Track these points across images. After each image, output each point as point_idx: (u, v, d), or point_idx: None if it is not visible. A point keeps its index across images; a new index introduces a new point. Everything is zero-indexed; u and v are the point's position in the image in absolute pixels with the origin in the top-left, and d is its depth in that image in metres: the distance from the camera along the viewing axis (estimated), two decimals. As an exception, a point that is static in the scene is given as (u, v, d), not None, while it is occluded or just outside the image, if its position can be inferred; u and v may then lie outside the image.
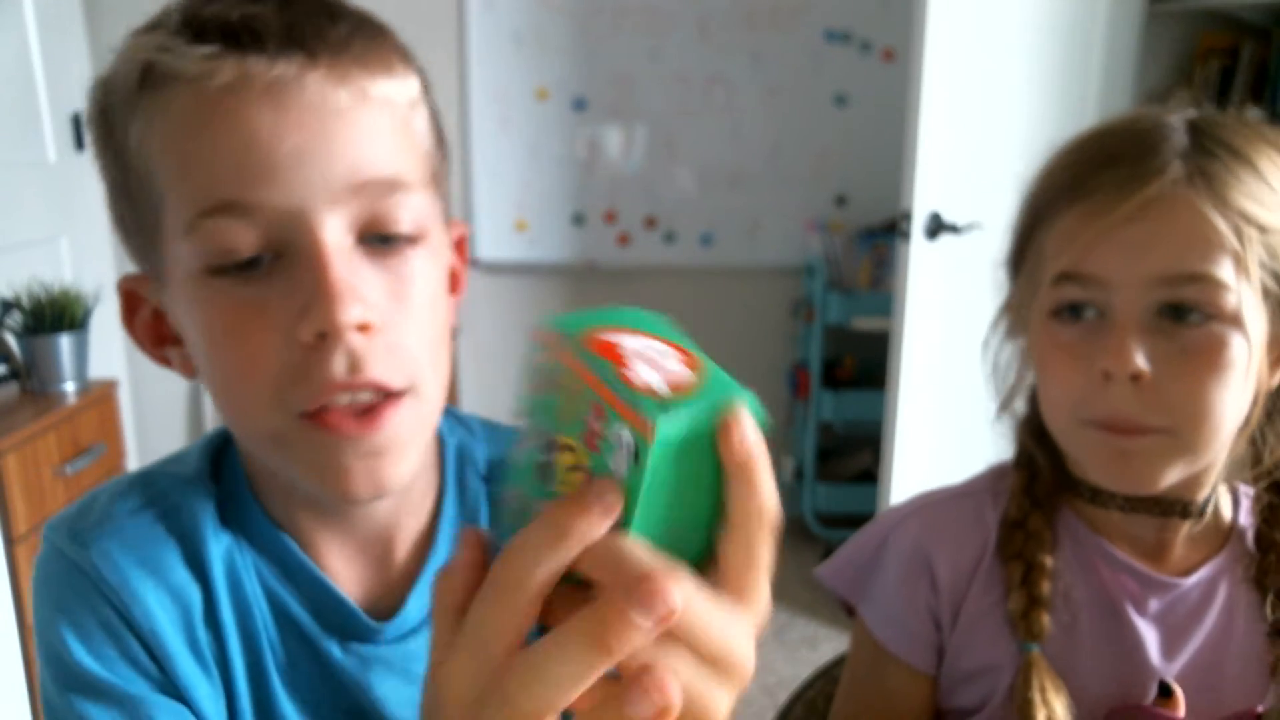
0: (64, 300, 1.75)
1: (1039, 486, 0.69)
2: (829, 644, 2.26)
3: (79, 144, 2.53)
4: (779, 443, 2.93)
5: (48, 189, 2.41)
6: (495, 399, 2.89)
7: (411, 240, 0.48)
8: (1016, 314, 0.70)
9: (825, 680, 0.86)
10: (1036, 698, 0.63)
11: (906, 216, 2.00)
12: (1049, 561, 0.67)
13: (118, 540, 0.53)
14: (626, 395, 0.32)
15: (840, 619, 2.44)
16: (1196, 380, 0.58)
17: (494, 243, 2.78)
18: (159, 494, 0.55)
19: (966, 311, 2.05)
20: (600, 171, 2.76)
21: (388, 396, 0.47)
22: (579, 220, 2.78)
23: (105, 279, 2.61)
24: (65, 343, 1.74)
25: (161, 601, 0.52)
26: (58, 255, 2.42)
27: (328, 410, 0.46)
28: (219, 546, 0.54)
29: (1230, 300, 0.58)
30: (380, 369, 0.46)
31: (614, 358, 0.33)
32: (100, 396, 1.78)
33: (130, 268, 0.55)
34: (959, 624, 0.69)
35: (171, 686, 0.52)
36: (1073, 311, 0.62)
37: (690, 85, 2.71)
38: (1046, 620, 0.65)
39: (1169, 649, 0.66)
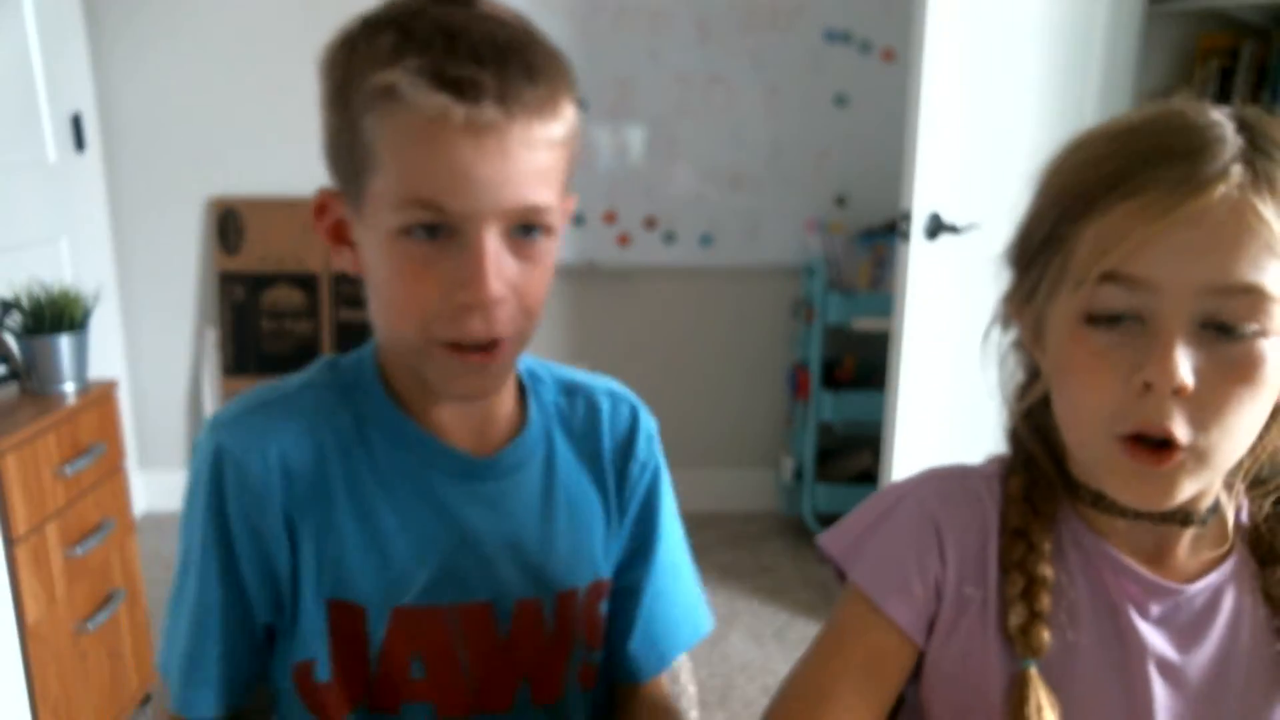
0: (64, 300, 1.75)
1: (1038, 492, 0.68)
2: (829, 644, 2.25)
3: (79, 144, 2.53)
4: (779, 443, 2.93)
5: (48, 189, 2.41)
6: (495, 399, 2.89)
7: (541, 234, 0.67)
8: (1020, 309, 0.67)
9: (825, 680, 0.86)
10: (1033, 718, 0.62)
11: (906, 216, 2.00)
12: (1049, 573, 0.65)
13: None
14: None
15: (840, 619, 2.44)
16: (1234, 397, 0.56)
17: (494, 243, 2.78)
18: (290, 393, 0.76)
19: (966, 312, 2.05)
20: (600, 171, 2.76)
21: (504, 339, 0.67)
22: (579, 220, 2.78)
23: (105, 279, 2.61)
24: (65, 343, 1.74)
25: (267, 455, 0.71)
26: (58, 255, 2.42)
27: (460, 344, 0.66)
28: (335, 416, 0.74)
29: (1276, 314, 0.55)
30: (503, 328, 0.66)
31: None
32: (100, 396, 1.78)
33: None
34: (961, 603, 0.67)
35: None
36: (1109, 318, 0.58)
37: (690, 85, 2.71)
38: (1046, 637, 0.64)
39: (1175, 654, 0.65)
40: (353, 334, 2.78)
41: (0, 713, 1.49)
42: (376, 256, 0.67)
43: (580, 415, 0.81)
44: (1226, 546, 0.68)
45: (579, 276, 2.84)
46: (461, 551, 0.73)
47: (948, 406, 2.14)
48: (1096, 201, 0.59)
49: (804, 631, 2.32)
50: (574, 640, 0.78)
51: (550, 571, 0.76)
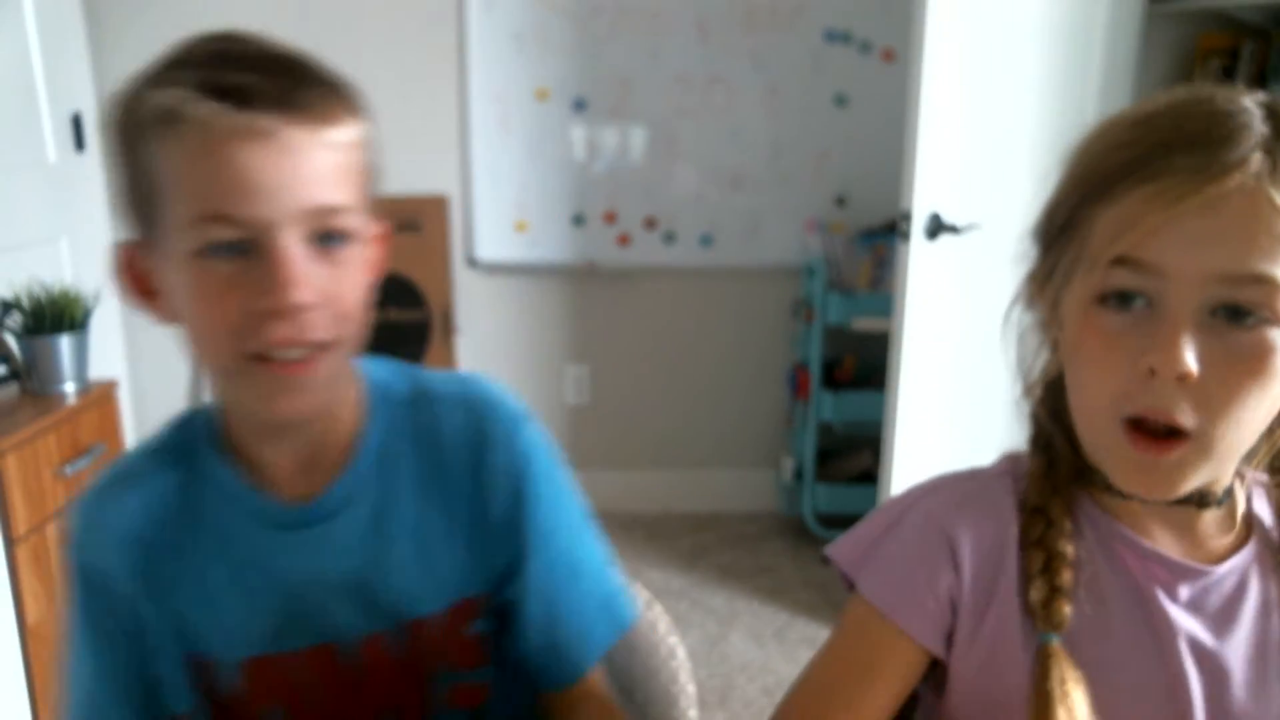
0: (64, 301, 1.75)
1: (1057, 472, 0.67)
2: (829, 644, 2.25)
3: (79, 144, 2.53)
4: (779, 443, 2.93)
5: (48, 189, 2.40)
6: (495, 399, 2.89)
7: (345, 240, 0.66)
8: (1041, 288, 0.66)
9: (826, 681, 0.86)
10: (1056, 690, 0.61)
11: (906, 216, 2.00)
12: (1070, 550, 0.64)
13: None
14: None
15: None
16: (1240, 385, 0.56)
17: (494, 243, 2.78)
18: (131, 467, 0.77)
19: (966, 312, 2.05)
20: (600, 172, 2.76)
21: (319, 348, 0.65)
22: (579, 220, 2.78)
23: (105, 279, 2.61)
24: (65, 343, 1.74)
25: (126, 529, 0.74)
26: (58, 255, 2.42)
27: (270, 357, 0.64)
28: (167, 482, 0.75)
29: None
30: (314, 333, 0.65)
31: None
32: (100, 397, 1.78)
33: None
34: (990, 613, 0.66)
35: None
36: (1120, 299, 0.58)
37: (690, 85, 2.71)
38: (1067, 610, 0.63)
39: (1210, 640, 0.64)
40: (353, 334, 2.78)
41: (0, 713, 1.49)
42: (181, 286, 0.65)
43: (426, 429, 0.76)
44: (1244, 531, 0.67)
45: (579, 276, 2.84)
46: (293, 602, 0.73)
47: (948, 406, 2.14)
48: (1114, 186, 0.59)
49: (804, 631, 2.32)
50: (433, 666, 0.77)
51: (393, 604, 0.74)
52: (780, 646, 2.26)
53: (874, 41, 2.70)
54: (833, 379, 2.71)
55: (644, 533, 2.84)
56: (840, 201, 2.80)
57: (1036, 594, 0.64)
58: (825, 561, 0.72)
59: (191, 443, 0.76)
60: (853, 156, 2.76)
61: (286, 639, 0.74)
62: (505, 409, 0.78)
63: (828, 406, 2.62)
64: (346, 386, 0.75)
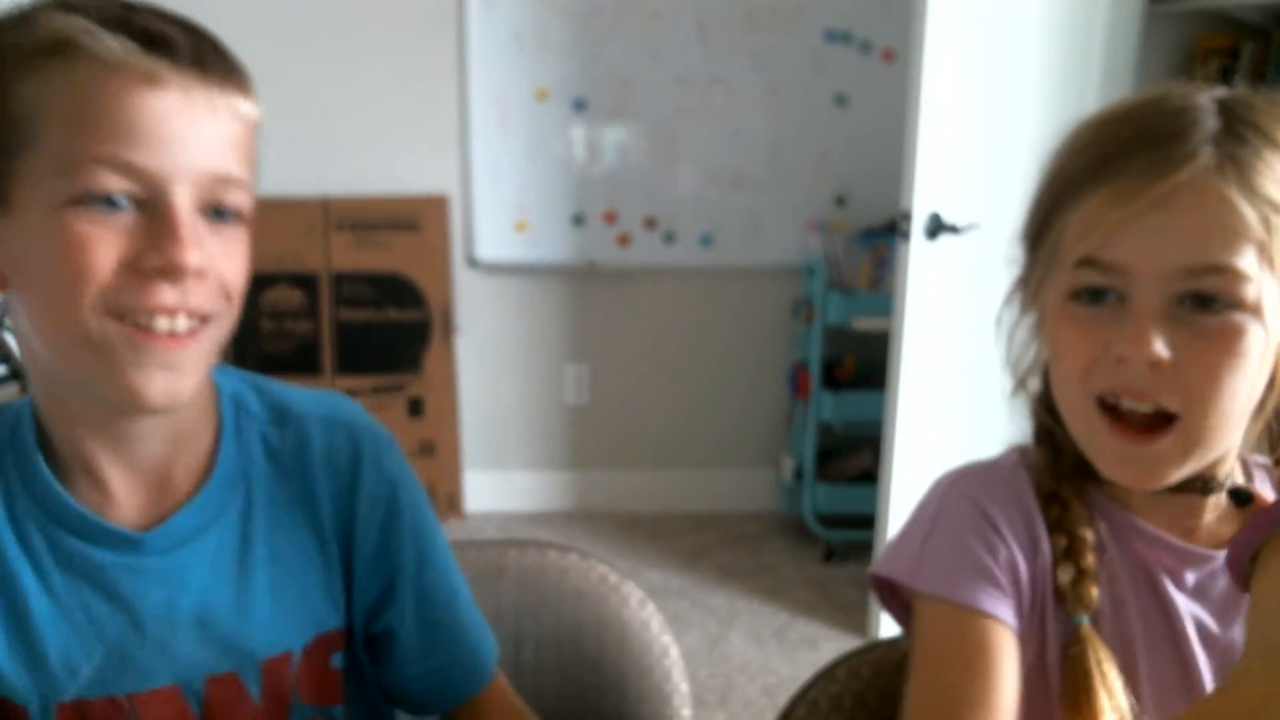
0: (64, 300, 1.75)
1: (1062, 462, 0.68)
2: (829, 644, 2.26)
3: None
4: (779, 443, 2.94)
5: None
6: (494, 398, 2.90)
7: (235, 218, 0.62)
8: (1028, 290, 0.68)
9: (826, 681, 0.86)
10: (1095, 671, 0.61)
11: (906, 216, 2.00)
12: (1089, 534, 0.65)
13: None
14: None
15: (841, 619, 2.45)
16: (1211, 365, 0.58)
17: (494, 243, 2.78)
18: None
19: (966, 312, 2.05)
20: (600, 171, 2.76)
21: (201, 320, 0.60)
22: (579, 220, 2.78)
23: None
24: (65, 343, 1.74)
25: None
26: (58, 255, 2.42)
27: (145, 327, 0.58)
28: None
29: (1251, 291, 0.57)
30: (199, 302, 0.59)
31: None
32: (100, 396, 1.78)
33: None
34: (1037, 590, 0.65)
35: None
36: (1091, 295, 0.61)
37: (690, 85, 2.71)
38: (1095, 592, 0.64)
39: (1215, 625, 0.65)
40: (353, 334, 2.78)
41: None
42: (36, 241, 0.57)
43: (290, 450, 0.70)
44: (1248, 513, 0.67)
45: (579, 276, 2.84)
46: (132, 636, 0.65)
47: (948, 406, 2.14)
48: (1079, 189, 0.61)
49: (804, 631, 2.32)
50: (291, 704, 0.71)
51: (249, 640, 0.68)
52: (780, 646, 2.26)
53: (874, 41, 2.70)
54: (833, 379, 2.71)
55: (644, 533, 2.84)
56: (840, 201, 2.80)
57: (1065, 576, 0.65)
58: (827, 560, 0.72)
59: (10, 449, 0.66)
60: (853, 156, 2.76)
61: (118, 681, 0.65)
62: (373, 430, 0.73)
63: (828, 406, 2.62)
64: (207, 389, 0.68)
